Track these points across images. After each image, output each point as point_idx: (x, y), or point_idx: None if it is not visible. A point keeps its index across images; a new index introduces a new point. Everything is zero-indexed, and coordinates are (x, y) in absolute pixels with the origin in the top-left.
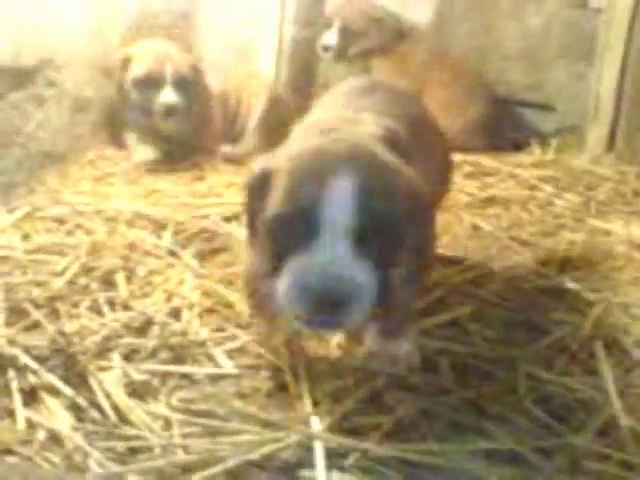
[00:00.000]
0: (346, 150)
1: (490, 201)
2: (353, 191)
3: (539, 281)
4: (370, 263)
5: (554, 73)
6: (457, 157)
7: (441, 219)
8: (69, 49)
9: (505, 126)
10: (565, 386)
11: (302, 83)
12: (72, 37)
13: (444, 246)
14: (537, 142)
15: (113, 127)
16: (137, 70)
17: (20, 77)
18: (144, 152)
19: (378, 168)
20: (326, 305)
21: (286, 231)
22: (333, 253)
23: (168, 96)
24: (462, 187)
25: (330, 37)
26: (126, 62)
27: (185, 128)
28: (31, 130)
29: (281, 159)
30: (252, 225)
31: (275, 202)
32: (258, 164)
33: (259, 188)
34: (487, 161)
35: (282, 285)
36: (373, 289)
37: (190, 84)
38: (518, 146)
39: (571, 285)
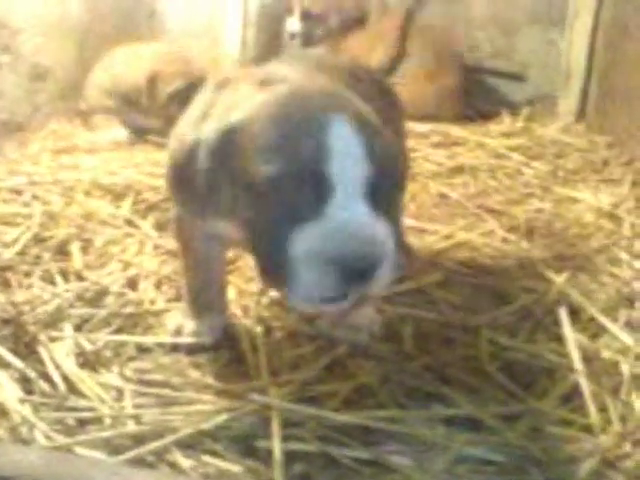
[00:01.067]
0: (323, 95)
1: (458, 170)
2: (359, 135)
3: (505, 249)
4: (384, 216)
5: (525, 41)
6: (426, 127)
7: (408, 188)
8: (25, 12)
9: (475, 95)
10: (529, 353)
11: (270, 51)
12: (26, 1)
13: (411, 215)
14: (507, 111)
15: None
16: (173, 84)
17: None
18: (116, 133)
19: (362, 112)
20: (358, 274)
21: (283, 195)
22: (354, 212)
23: None
24: (430, 156)
25: (294, 24)
26: (154, 80)
27: None
28: None
29: (243, 114)
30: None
31: (255, 162)
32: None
33: (221, 151)
34: (456, 131)
35: (297, 267)
36: (394, 248)
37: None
38: (488, 116)
39: (537, 253)
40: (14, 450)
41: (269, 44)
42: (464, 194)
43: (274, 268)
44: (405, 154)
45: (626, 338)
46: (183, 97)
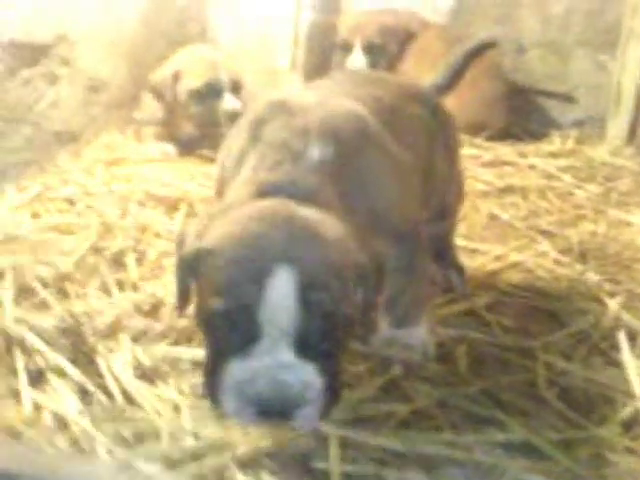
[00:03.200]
0: (283, 235)
1: (508, 190)
2: (293, 288)
3: (558, 271)
4: (318, 359)
5: (576, 63)
6: (476, 146)
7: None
8: (83, 26)
9: (525, 116)
10: (585, 377)
11: (318, 70)
12: (86, 13)
13: (461, 235)
14: (557, 133)
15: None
16: (193, 82)
17: (33, 53)
18: (162, 149)
19: (318, 252)
20: (274, 412)
21: (225, 328)
22: (276, 358)
23: (232, 102)
24: (480, 175)
25: (358, 59)
26: (178, 76)
27: None
28: (43, 108)
29: (216, 236)
30: (182, 298)
31: (212, 293)
32: (191, 234)
33: (193, 267)
34: (506, 150)
35: (225, 390)
36: (322, 388)
37: (241, 89)
38: (537, 136)
39: (591, 275)
40: (79, 464)
41: (318, 63)
42: (515, 215)
43: (212, 388)
44: (459, 180)
45: None
46: (200, 96)
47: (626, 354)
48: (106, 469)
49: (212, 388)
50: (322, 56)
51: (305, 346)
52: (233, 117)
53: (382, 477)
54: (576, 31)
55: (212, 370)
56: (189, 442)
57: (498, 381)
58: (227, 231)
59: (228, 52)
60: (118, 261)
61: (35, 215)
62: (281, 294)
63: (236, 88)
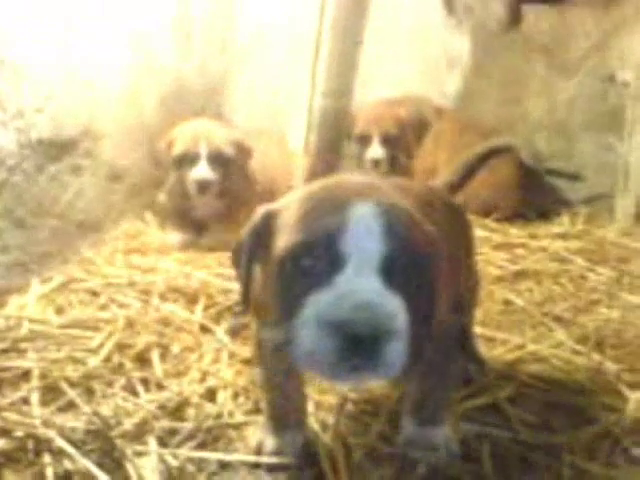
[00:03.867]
0: (366, 183)
1: (521, 275)
2: (379, 216)
3: (576, 361)
4: (404, 298)
5: (582, 143)
6: (485, 228)
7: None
8: (106, 120)
9: (533, 194)
10: (609, 477)
11: (331, 154)
12: (109, 108)
13: (477, 322)
14: (566, 211)
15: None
16: (176, 149)
17: (60, 148)
18: (176, 237)
19: (401, 203)
20: (360, 343)
21: (303, 266)
22: (363, 283)
23: (200, 171)
24: (492, 259)
25: (377, 151)
26: (170, 145)
27: (220, 205)
28: (67, 200)
29: (287, 199)
30: (248, 280)
31: (287, 237)
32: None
33: (262, 231)
34: (516, 232)
35: (302, 329)
36: (408, 328)
37: (228, 160)
38: (547, 215)
39: (609, 365)
40: None
41: (330, 148)
42: (529, 300)
43: (287, 333)
44: (476, 272)
45: None
46: (178, 164)
47: None
48: None
49: (287, 335)
50: (335, 141)
51: (391, 279)
52: (202, 187)
53: None
54: (581, 114)
55: (286, 317)
56: None
57: None
58: (297, 193)
59: (235, 127)
60: (142, 358)
61: (59, 309)
62: (366, 222)
63: (217, 160)
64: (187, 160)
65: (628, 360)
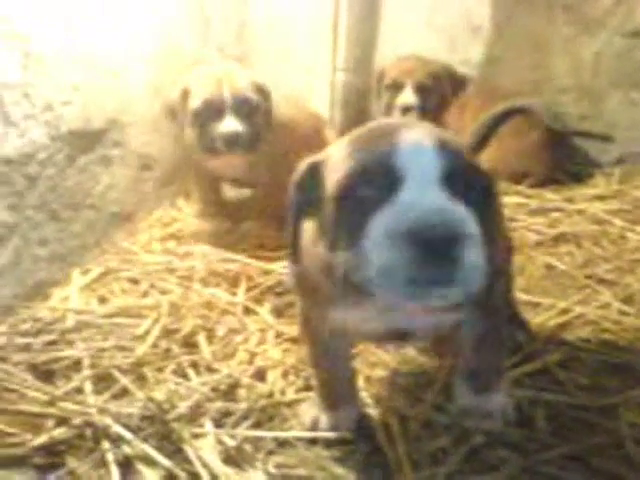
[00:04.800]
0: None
1: (561, 238)
2: (431, 137)
3: (624, 321)
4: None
5: (610, 103)
6: (520, 194)
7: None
8: (133, 110)
9: (564, 157)
10: None
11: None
12: (136, 98)
13: (521, 288)
14: (599, 173)
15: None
16: (194, 101)
17: (89, 139)
18: (202, 224)
19: (452, 136)
20: (435, 248)
21: (362, 196)
22: (426, 193)
23: (228, 125)
24: (530, 225)
25: (409, 96)
26: (186, 94)
27: (249, 162)
28: (100, 191)
29: (329, 150)
30: (296, 235)
31: (338, 175)
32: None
33: (309, 183)
34: (551, 196)
35: (372, 248)
36: (479, 238)
37: (254, 108)
38: (581, 178)
39: None
40: None
41: (356, 122)
42: (571, 264)
43: (357, 257)
44: (507, 237)
45: None
46: (202, 117)
47: None
48: None
49: (357, 259)
50: (358, 117)
51: (454, 192)
52: (232, 144)
53: None
54: (607, 72)
55: (352, 245)
56: None
57: (583, 444)
58: (339, 142)
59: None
60: (189, 342)
61: (101, 298)
62: (417, 141)
63: (242, 108)
64: (210, 112)
65: None
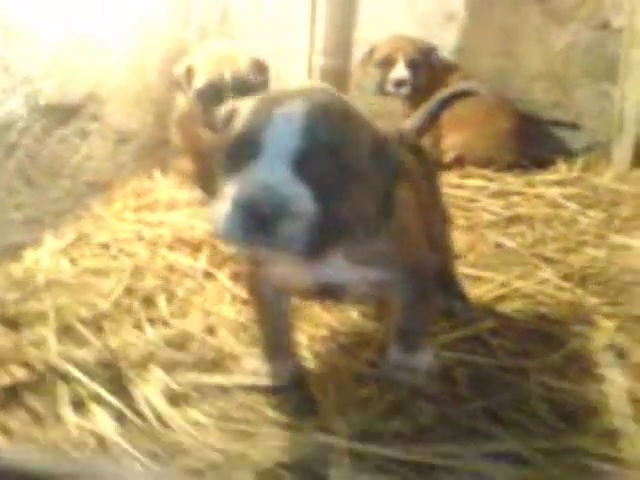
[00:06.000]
0: (311, 89)
1: (515, 220)
2: (301, 116)
3: (559, 296)
4: (312, 189)
5: (579, 93)
6: (483, 177)
7: (464, 238)
8: (111, 85)
9: (532, 144)
10: (575, 393)
11: None
12: (114, 73)
13: (469, 264)
14: (564, 160)
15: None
16: (199, 80)
17: (66, 113)
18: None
19: (341, 108)
20: (260, 220)
21: (233, 154)
22: (269, 170)
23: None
24: (487, 206)
25: (401, 71)
26: (190, 72)
27: None
28: (77, 161)
29: (244, 102)
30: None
31: (234, 127)
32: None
33: (224, 126)
34: (512, 180)
35: (220, 208)
36: (309, 213)
37: (252, 87)
38: (544, 164)
39: (590, 299)
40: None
41: None
42: (521, 243)
43: (212, 218)
44: (444, 213)
45: None
46: (205, 97)
47: (611, 371)
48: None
49: (212, 214)
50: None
51: (303, 171)
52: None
53: None
54: (578, 63)
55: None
56: (213, 456)
57: (495, 399)
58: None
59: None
60: (150, 300)
61: (73, 260)
62: (287, 118)
63: (242, 89)
64: (212, 93)
65: (609, 294)
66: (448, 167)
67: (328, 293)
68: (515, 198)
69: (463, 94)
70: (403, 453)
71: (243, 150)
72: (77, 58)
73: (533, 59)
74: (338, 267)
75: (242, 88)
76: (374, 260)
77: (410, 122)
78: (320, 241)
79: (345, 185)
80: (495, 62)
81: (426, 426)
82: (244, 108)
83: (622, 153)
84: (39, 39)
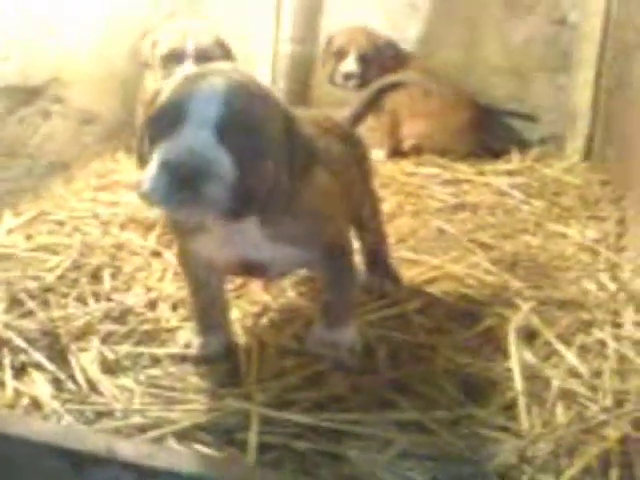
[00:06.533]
0: (229, 69)
1: (460, 207)
2: (221, 88)
3: (487, 279)
4: (231, 155)
5: (536, 85)
6: (435, 165)
7: (409, 223)
8: (74, 67)
9: (489, 135)
10: (481, 368)
11: (298, 101)
12: (77, 56)
13: (409, 248)
14: (519, 151)
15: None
16: (162, 48)
17: (29, 94)
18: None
19: (256, 85)
20: (183, 181)
21: (160, 124)
22: (191, 137)
23: (187, 69)
24: (435, 194)
25: (351, 64)
26: (155, 44)
27: None
28: (38, 141)
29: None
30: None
31: (154, 106)
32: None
33: (152, 104)
34: (465, 169)
35: (148, 170)
36: (230, 176)
37: (212, 59)
38: (500, 154)
39: (516, 283)
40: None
41: (299, 96)
42: (461, 229)
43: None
44: (374, 195)
45: (572, 359)
46: (166, 63)
47: (514, 348)
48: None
49: (141, 177)
50: (302, 89)
51: (223, 137)
52: None
53: (294, 448)
54: (536, 56)
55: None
56: (137, 419)
57: (406, 371)
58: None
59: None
60: (96, 276)
61: (28, 236)
62: (211, 91)
63: (204, 58)
64: (173, 58)
65: (534, 279)
66: (405, 155)
67: (252, 269)
68: (465, 186)
69: (395, 85)
70: (314, 420)
71: (168, 119)
72: (41, 40)
73: (493, 51)
74: (257, 244)
75: (203, 57)
76: (290, 237)
77: (346, 111)
78: (239, 203)
79: (259, 154)
80: (456, 53)
81: (340, 396)
82: (169, 84)
83: (574, 145)
84: (0, 20)
